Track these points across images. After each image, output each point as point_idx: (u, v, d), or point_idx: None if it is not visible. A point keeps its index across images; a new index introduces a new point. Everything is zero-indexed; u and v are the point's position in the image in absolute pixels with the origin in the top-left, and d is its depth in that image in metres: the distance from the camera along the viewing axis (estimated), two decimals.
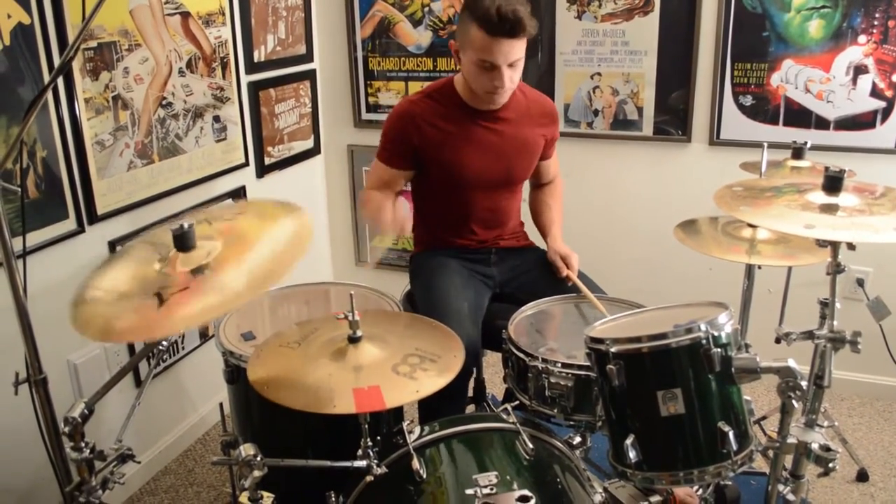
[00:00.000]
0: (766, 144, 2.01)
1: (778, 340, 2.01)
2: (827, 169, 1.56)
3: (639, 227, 3.01)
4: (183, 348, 2.67)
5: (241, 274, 1.29)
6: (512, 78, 2.00)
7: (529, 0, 1.96)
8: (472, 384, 2.44)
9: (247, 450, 1.41)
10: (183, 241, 1.38)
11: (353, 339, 1.45)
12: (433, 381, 1.37)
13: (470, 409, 2.49)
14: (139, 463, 1.60)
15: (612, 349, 1.49)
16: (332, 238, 3.57)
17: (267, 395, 1.36)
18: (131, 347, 2.42)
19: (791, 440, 1.53)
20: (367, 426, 1.49)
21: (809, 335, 1.68)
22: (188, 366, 2.71)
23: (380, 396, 1.31)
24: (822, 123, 2.65)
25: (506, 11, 1.88)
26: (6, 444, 2.04)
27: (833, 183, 1.55)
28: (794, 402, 1.46)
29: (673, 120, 2.84)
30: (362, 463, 1.50)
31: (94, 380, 2.24)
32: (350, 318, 1.44)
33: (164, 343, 1.70)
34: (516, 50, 1.94)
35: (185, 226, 1.38)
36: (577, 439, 1.81)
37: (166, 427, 2.68)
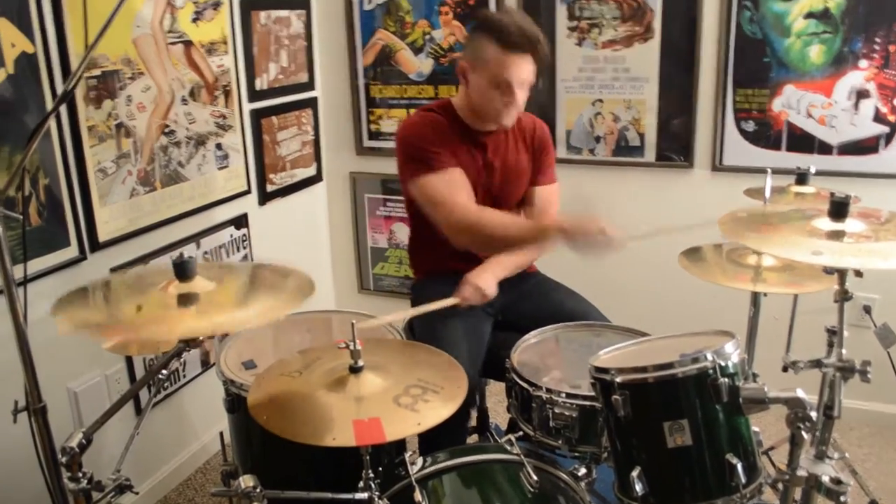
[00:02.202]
0: (769, 170, 2.00)
1: (785, 369, 1.99)
2: (832, 195, 1.54)
3: (642, 254, 2.98)
4: (184, 376, 2.65)
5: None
6: (523, 99, 2.02)
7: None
8: (474, 413, 2.42)
9: (246, 481, 1.39)
10: (182, 270, 1.36)
11: (355, 369, 1.43)
12: (436, 413, 1.35)
13: (473, 439, 2.47)
14: (137, 493, 1.57)
15: (618, 379, 1.47)
16: (335, 265, 3.55)
17: (266, 426, 1.34)
18: (132, 375, 2.40)
19: (801, 472, 1.50)
20: (368, 457, 1.47)
21: (817, 364, 1.66)
22: (189, 394, 2.68)
23: (380, 429, 1.28)
24: (825, 148, 2.64)
25: (529, 32, 1.94)
26: (5, 472, 2.01)
27: (839, 209, 1.54)
28: (803, 433, 1.43)
29: (675, 146, 2.84)
30: (364, 495, 1.48)
31: (95, 408, 2.22)
32: (351, 347, 1.42)
33: (164, 371, 1.68)
34: (535, 71, 1.98)
35: (186, 255, 1.37)
36: (583, 471, 1.78)
37: (167, 456, 2.65)
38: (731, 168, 2.77)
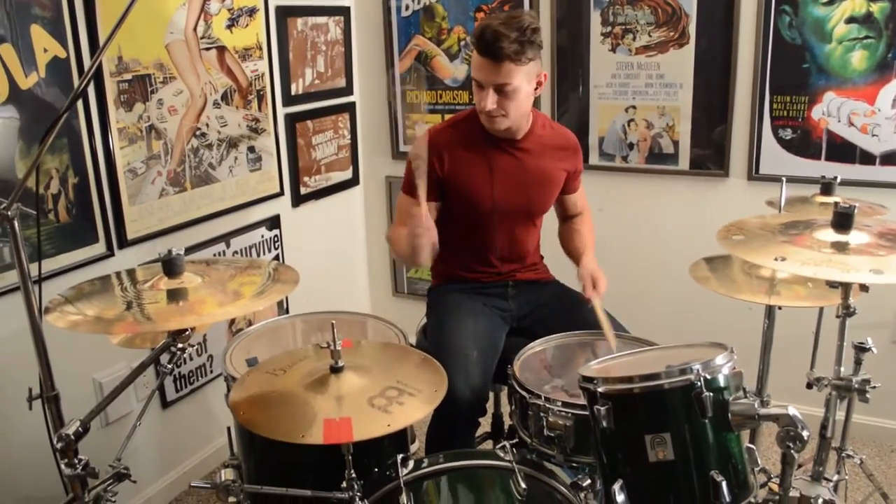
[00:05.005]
0: (784, 179, 1.92)
1: (809, 386, 1.91)
2: (836, 204, 1.48)
3: (674, 263, 2.90)
4: (211, 371, 2.72)
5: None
6: (503, 105, 1.98)
7: (533, 30, 1.93)
8: (490, 419, 2.41)
9: (226, 475, 1.42)
10: (170, 267, 1.41)
11: (335, 369, 1.45)
12: (407, 416, 1.35)
13: (488, 444, 2.46)
14: (135, 482, 1.61)
15: (601, 389, 1.44)
16: (370, 268, 3.59)
17: (242, 422, 1.37)
18: (157, 370, 2.48)
19: (793, 493, 1.44)
20: (350, 457, 1.47)
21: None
22: (218, 388, 2.75)
23: (349, 429, 1.29)
24: (867, 158, 2.53)
25: (488, 32, 1.90)
26: (31, 457, 2.11)
27: (843, 220, 1.47)
28: (794, 452, 1.37)
29: (710, 154, 2.76)
30: (344, 495, 1.49)
31: (118, 399, 2.29)
32: (332, 347, 1.43)
33: (168, 366, 1.74)
34: (501, 74, 1.93)
35: (174, 252, 1.42)
36: (587, 481, 1.74)
37: (194, 447, 2.72)
38: (767, 177, 2.67)
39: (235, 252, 2.74)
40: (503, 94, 1.96)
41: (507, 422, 2.49)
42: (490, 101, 1.97)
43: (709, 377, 1.39)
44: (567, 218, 2.42)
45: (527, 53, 1.93)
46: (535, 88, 2.04)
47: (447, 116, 3.17)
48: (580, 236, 2.37)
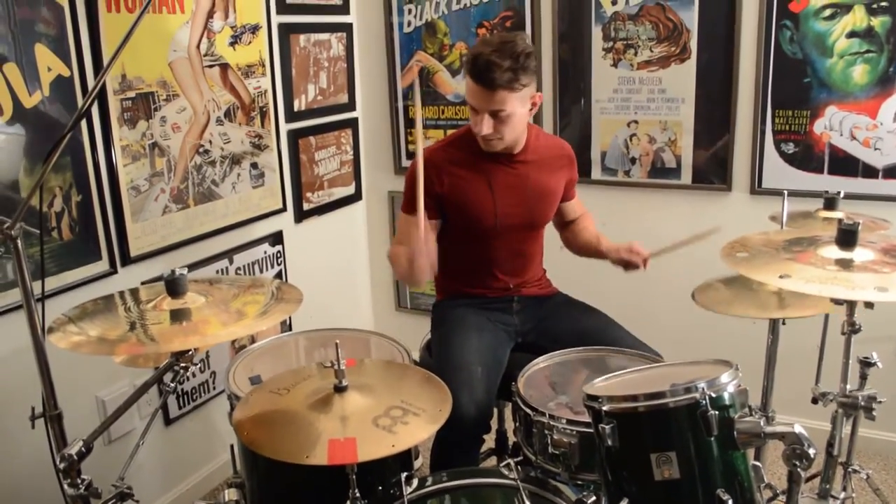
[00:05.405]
0: (786, 193, 1.92)
1: (815, 401, 1.90)
2: (840, 221, 1.48)
3: (677, 278, 2.90)
4: (214, 388, 2.71)
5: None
6: (498, 129, 2.00)
7: (527, 56, 1.93)
8: (494, 436, 2.40)
9: (230, 495, 1.41)
10: (173, 287, 1.41)
11: (339, 389, 1.44)
12: (412, 436, 1.34)
13: (492, 460, 2.45)
14: (137, 502, 1.61)
15: (605, 408, 1.43)
16: (373, 284, 3.59)
17: (246, 443, 1.36)
18: (160, 389, 2.47)
19: None
20: (354, 476, 1.47)
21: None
22: (221, 404, 2.74)
23: (353, 449, 1.29)
24: (869, 172, 2.52)
25: (481, 60, 1.91)
26: (34, 476, 2.10)
27: (847, 237, 1.47)
28: (800, 470, 1.36)
29: (713, 168, 2.76)
30: None
31: (122, 417, 2.29)
32: (336, 366, 1.43)
33: (171, 384, 1.73)
34: (495, 101, 1.94)
35: (177, 272, 1.42)
36: (592, 499, 1.73)
37: (197, 464, 2.71)
38: (770, 191, 2.67)
39: (238, 268, 2.74)
40: (498, 118, 1.98)
41: (512, 438, 2.48)
42: (486, 126, 1.99)
43: (714, 395, 1.38)
44: (566, 224, 2.42)
45: (521, 80, 1.95)
46: (530, 109, 2.06)
47: (449, 132, 3.18)
48: (588, 231, 2.38)
